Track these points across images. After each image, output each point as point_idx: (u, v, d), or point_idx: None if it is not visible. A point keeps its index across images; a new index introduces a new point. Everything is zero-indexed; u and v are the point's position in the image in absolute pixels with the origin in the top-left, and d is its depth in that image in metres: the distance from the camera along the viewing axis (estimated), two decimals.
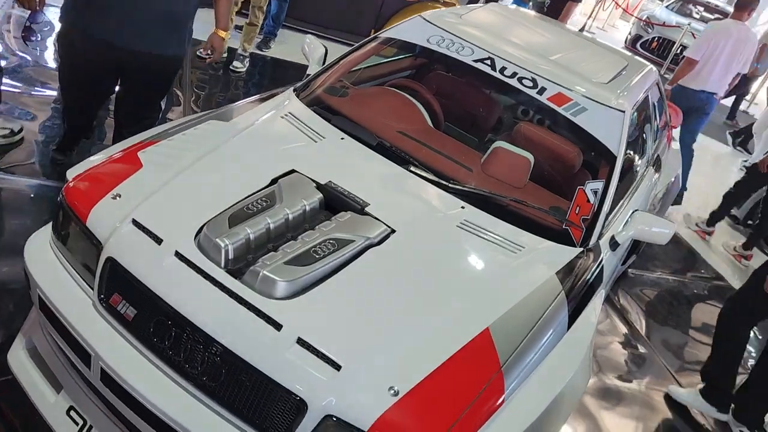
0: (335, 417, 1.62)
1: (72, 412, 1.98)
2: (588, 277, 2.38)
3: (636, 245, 4.02)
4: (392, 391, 1.65)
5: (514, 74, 2.87)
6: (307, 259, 1.86)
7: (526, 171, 2.67)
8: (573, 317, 2.20)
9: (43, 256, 2.04)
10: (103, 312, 1.87)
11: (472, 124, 3.15)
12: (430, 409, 1.67)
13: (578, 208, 2.57)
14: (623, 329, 3.97)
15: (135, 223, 1.89)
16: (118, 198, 1.98)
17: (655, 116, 3.71)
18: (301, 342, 1.68)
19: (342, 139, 2.56)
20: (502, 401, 1.78)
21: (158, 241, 1.85)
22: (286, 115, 2.63)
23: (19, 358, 2.14)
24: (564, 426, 2.29)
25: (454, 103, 3.21)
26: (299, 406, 1.63)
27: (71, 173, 2.11)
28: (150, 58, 2.93)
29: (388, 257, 2.03)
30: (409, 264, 2.05)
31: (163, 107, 3.25)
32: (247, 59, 5.52)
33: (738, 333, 3.33)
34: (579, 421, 3.09)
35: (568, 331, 2.16)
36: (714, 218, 5.69)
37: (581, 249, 2.45)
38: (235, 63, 5.44)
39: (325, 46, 3.18)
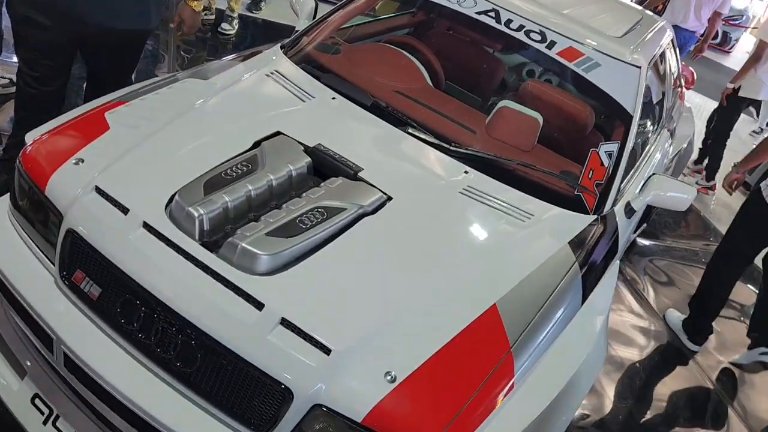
0: (325, 407, 1.44)
1: (37, 400, 1.80)
2: (602, 247, 2.18)
3: (647, 212, 3.82)
4: (389, 377, 1.47)
5: (520, 27, 2.63)
6: (293, 229, 1.66)
7: (534, 132, 2.46)
8: (587, 291, 2.01)
9: (0, 227, 1.84)
10: (66, 290, 1.67)
11: (475, 84, 2.92)
12: (432, 396, 1.49)
13: (591, 171, 2.36)
14: (632, 301, 3.79)
15: (98, 190, 1.69)
16: (80, 163, 1.77)
17: (670, 75, 3.47)
18: (285, 323, 1.49)
19: (333, 98, 2.33)
20: (512, 385, 1.60)
21: (124, 210, 1.64)
22: (271, 73, 2.40)
23: None
24: None
25: (455, 60, 2.97)
26: (284, 395, 1.44)
27: (29, 136, 1.89)
28: (120, 34, 2.55)
29: (383, 227, 1.82)
30: (406, 235, 1.85)
31: (133, 81, 2.90)
32: (236, 20, 5.24)
33: (728, 278, 3.48)
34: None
35: (582, 305, 1.97)
36: (710, 171, 5.59)
37: (595, 216, 2.24)
38: (224, 25, 5.17)
39: (315, 0, 2.93)
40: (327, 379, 1.44)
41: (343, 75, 2.46)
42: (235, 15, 5.24)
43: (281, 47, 2.63)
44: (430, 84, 2.70)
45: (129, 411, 1.52)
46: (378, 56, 2.75)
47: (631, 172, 2.60)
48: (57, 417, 1.77)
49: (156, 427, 1.49)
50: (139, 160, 1.80)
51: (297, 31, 2.79)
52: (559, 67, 2.62)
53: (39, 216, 1.76)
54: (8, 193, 1.89)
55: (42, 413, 1.78)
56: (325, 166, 1.97)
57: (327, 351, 1.46)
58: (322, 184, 1.87)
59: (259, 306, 1.50)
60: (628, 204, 2.45)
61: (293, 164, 1.90)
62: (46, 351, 1.68)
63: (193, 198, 1.66)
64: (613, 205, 2.36)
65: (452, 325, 1.62)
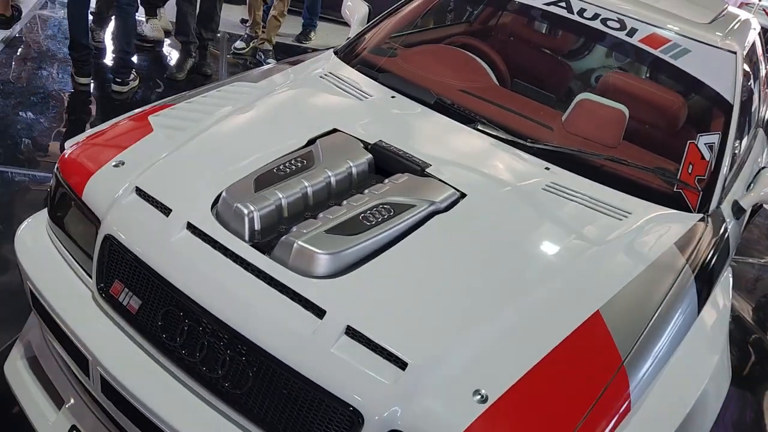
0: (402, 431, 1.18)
1: None
2: (713, 249, 1.86)
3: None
4: (479, 396, 1.20)
5: (596, 15, 2.39)
6: (356, 227, 1.43)
7: (620, 126, 2.18)
8: (702, 298, 1.69)
9: (36, 243, 1.67)
10: (104, 305, 1.48)
11: (546, 81, 2.67)
12: (533, 419, 1.21)
13: (691, 166, 2.06)
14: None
15: (138, 191, 1.50)
16: (120, 166, 1.60)
17: (762, 69, 3.14)
18: (350, 332, 1.24)
19: (393, 97, 2.13)
20: (629, 406, 1.30)
21: (166, 211, 1.45)
22: (325, 75, 2.22)
23: (16, 369, 1.77)
24: None
25: (523, 57, 2.74)
26: (352, 419, 1.19)
27: (69, 143, 1.74)
28: None
29: (459, 226, 1.57)
30: (486, 234, 1.59)
31: None
32: (271, 53, 5.10)
33: None
34: None
35: (699, 315, 1.66)
36: None
37: (701, 215, 1.93)
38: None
39: (369, 6, 2.77)
40: (403, 399, 1.18)
41: (402, 75, 2.26)
42: (270, 48, 5.08)
43: (334, 52, 2.46)
44: (497, 83, 2.48)
45: None
46: (438, 57, 2.55)
47: (734, 169, 2.29)
48: None
49: None
50: (183, 160, 1.62)
51: (349, 38, 2.63)
52: (643, 55, 2.36)
53: (76, 225, 1.59)
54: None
55: None
56: (387, 163, 1.75)
57: (403, 365, 1.21)
58: (387, 180, 1.65)
59: (320, 313, 1.26)
60: (735, 203, 2.13)
61: (353, 161, 1.68)
62: (82, 375, 1.48)
63: (243, 195, 1.45)
64: (719, 203, 2.05)
65: (551, 336, 1.34)
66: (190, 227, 1.41)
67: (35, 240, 1.68)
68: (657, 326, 1.47)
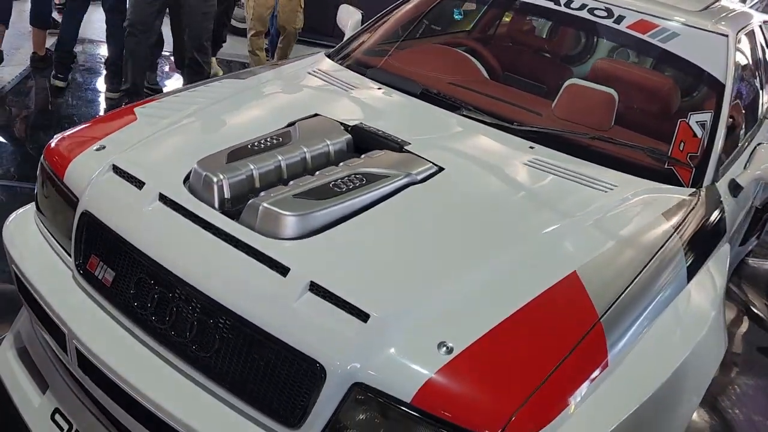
0: (365, 385, 1.15)
1: (57, 416, 1.59)
2: (706, 222, 1.82)
3: (753, 225, 3.33)
4: (444, 349, 1.17)
5: (582, 6, 2.39)
6: (326, 193, 1.43)
7: (610, 110, 2.16)
8: (692, 269, 1.64)
9: (23, 230, 1.71)
10: (81, 281, 1.49)
11: (537, 74, 2.66)
12: (501, 369, 1.17)
13: (683, 143, 2.03)
14: (747, 324, 3.26)
15: (115, 169, 1.53)
16: (102, 150, 1.64)
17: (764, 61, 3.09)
18: (314, 288, 1.23)
19: (379, 89, 2.15)
20: (606, 363, 1.25)
21: (140, 185, 1.47)
22: (313, 71, 2.25)
23: (5, 358, 1.78)
24: None
25: (513, 53, 2.75)
26: (315, 373, 1.17)
27: (57, 136, 1.79)
28: None
29: (434, 196, 1.56)
30: (461, 203, 1.58)
31: None
32: None
33: None
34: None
35: (688, 285, 1.60)
36: None
37: (693, 190, 1.89)
38: None
39: (362, 12, 2.82)
40: (365, 351, 1.16)
41: (390, 70, 2.29)
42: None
43: (326, 54, 2.50)
44: (487, 77, 2.48)
45: (144, 411, 1.29)
46: (429, 55, 2.58)
47: (734, 153, 2.24)
48: None
49: (171, 425, 1.24)
50: (161, 141, 1.65)
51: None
52: (631, 41, 2.35)
53: (59, 208, 1.62)
54: None
55: (61, 429, 1.57)
56: (366, 143, 1.75)
57: (364, 317, 1.19)
58: (363, 156, 1.65)
59: (284, 271, 1.25)
60: (732, 181, 2.08)
61: (331, 139, 1.69)
62: (61, 352, 1.49)
63: (214, 166, 1.47)
64: (714, 180, 2.00)
65: (522, 293, 1.31)
66: (162, 198, 1.43)
67: (22, 227, 1.72)
68: (639, 289, 1.42)
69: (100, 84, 4.39)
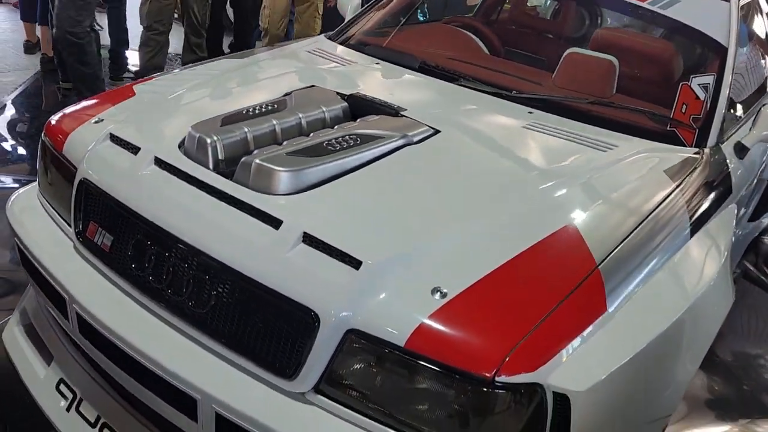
0: (359, 332, 1.14)
1: (61, 386, 1.61)
2: (709, 180, 1.79)
3: (766, 200, 3.28)
4: (438, 294, 1.16)
5: None
6: (319, 151, 1.43)
7: (611, 77, 2.14)
8: (695, 223, 1.62)
9: (26, 206, 1.73)
10: (81, 249, 1.50)
11: (539, 52, 2.65)
12: (495, 312, 1.16)
13: (685, 106, 2.00)
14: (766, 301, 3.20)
15: (112, 138, 1.54)
16: (100, 122, 1.65)
17: None
18: (307, 239, 1.23)
19: (377, 63, 2.15)
20: (604, 309, 1.23)
21: (135, 150, 1.48)
22: (312, 50, 2.26)
23: (12, 334, 1.80)
24: None
25: (515, 34, 2.74)
26: (308, 322, 1.16)
27: (57, 113, 1.81)
28: None
29: (430, 156, 1.56)
30: (459, 162, 1.57)
31: None
32: None
33: None
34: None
35: (692, 238, 1.58)
36: None
37: (696, 149, 1.87)
38: None
39: None
40: (358, 298, 1.15)
41: (389, 47, 2.29)
42: None
43: (326, 36, 2.51)
44: (488, 54, 2.48)
45: (143, 370, 1.29)
46: (429, 33, 2.58)
47: (742, 120, 2.21)
48: (80, 401, 1.57)
49: (170, 382, 1.25)
50: (157, 111, 1.67)
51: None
52: (630, 10, 2.33)
53: (59, 180, 1.64)
54: None
55: (66, 398, 1.58)
56: (363, 110, 1.75)
57: (357, 264, 1.18)
58: (359, 120, 1.65)
59: (277, 224, 1.25)
60: (738, 143, 2.05)
61: (327, 106, 1.70)
62: (62, 319, 1.50)
63: (208, 129, 1.48)
64: (719, 142, 1.97)
65: (518, 242, 1.29)
66: (158, 161, 1.44)
67: (25, 204, 1.73)
68: (638, 240, 1.40)
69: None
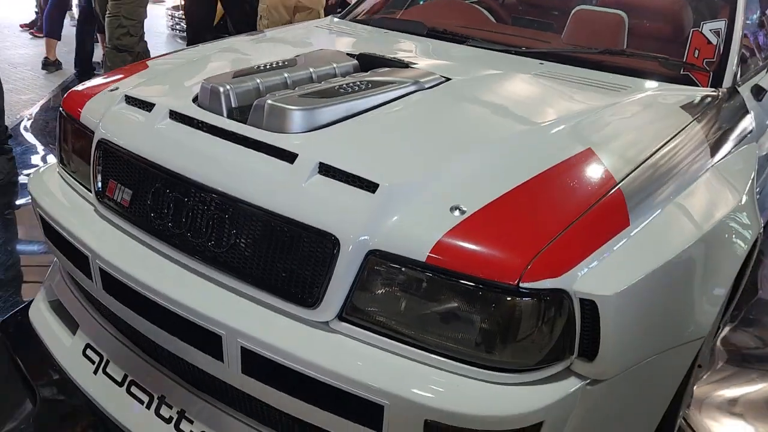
0: (379, 250, 1.13)
1: (88, 351, 1.61)
2: (729, 114, 1.77)
3: None
4: (457, 211, 1.15)
5: None
6: (331, 93, 1.44)
7: (621, 32, 2.13)
8: (715, 150, 1.59)
9: (47, 179, 1.75)
10: (102, 210, 1.52)
11: (545, 18, 2.65)
12: (516, 224, 1.15)
13: (697, 51, 1.98)
14: None
15: (127, 99, 1.56)
16: (115, 90, 1.68)
17: None
18: (323, 169, 1.23)
19: (385, 33, 2.17)
20: (626, 220, 1.21)
21: (150, 107, 1.50)
22: (321, 26, 2.29)
23: (38, 310, 1.82)
24: None
25: (524, 5, 2.74)
26: (329, 247, 1.16)
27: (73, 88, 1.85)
28: None
29: (443, 98, 1.56)
30: (472, 103, 1.57)
31: None
32: None
33: None
34: None
35: (713, 166, 1.56)
36: None
37: (712, 89, 1.85)
38: None
39: None
40: (377, 219, 1.14)
41: (398, 19, 2.31)
42: None
43: (334, 17, 2.54)
44: (495, 23, 2.48)
45: (169, 316, 1.29)
46: (438, 7, 2.60)
47: (757, 67, 2.19)
48: (107, 363, 1.57)
49: (195, 322, 1.24)
50: (171, 74, 1.69)
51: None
52: None
53: (77, 147, 1.66)
54: None
55: (93, 362, 1.59)
56: (373, 66, 1.76)
57: (373, 188, 1.17)
58: (370, 71, 1.66)
59: (292, 158, 1.25)
60: (756, 86, 2.03)
61: (337, 63, 1.71)
62: (86, 280, 1.51)
63: (221, 80, 1.49)
64: (735, 84, 1.95)
65: (536, 164, 1.28)
66: (172, 114, 1.45)
67: (46, 178, 1.76)
68: (658, 162, 1.39)
69: None
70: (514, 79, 1.75)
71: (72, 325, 1.69)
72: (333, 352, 1.15)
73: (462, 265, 1.08)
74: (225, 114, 1.43)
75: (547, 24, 2.46)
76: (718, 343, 2.24)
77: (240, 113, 1.45)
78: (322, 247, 1.16)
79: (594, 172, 1.30)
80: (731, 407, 1.97)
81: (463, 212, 1.14)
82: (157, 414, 1.44)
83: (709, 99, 1.75)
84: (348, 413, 1.14)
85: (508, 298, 1.06)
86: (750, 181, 1.63)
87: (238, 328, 1.19)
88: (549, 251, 1.09)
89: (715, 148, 1.59)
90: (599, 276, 1.11)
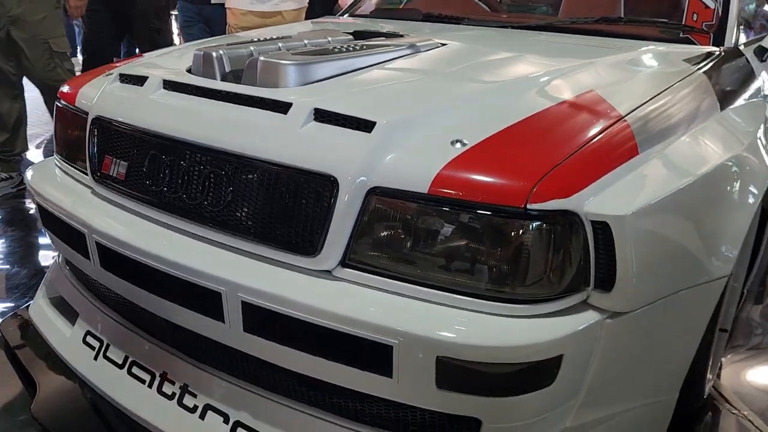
0: (378, 187, 1.09)
1: (88, 338, 1.56)
2: (734, 69, 1.74)
3: None
4: (458, 144, 1.11)
5: None
6: (325, 52, 1.42)
7: (617, 5, 2.12)
8: (722, 99, 1.55)
9: (44, 170, 1.73)
10: (98, 189, 1.48)
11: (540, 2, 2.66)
12: (520, 151, 1.10)
13: (695, 15, 1.96)
14: None
15: (121, 77, 1.55)
16: (110, 75, 1.66)
17: None
18: (319, 115, 1.19)
19: (381, 22, 2.17)
20: (636, 153, 1.17)
21: (143, 81, 1.48)
22: (317, 21, 2.29)
23: (38, 307, 1.78)
24: None
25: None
26: (327, 189, 1.11)
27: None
28: None
29: (441, 58, 1.54)
30: (472, 60, 1.55)
31: None
32: None
33: None
34: None
35: (721, 112, 1.51)
36: None
37: (714, 47, 1.82)
38: None
39: None
40: (375, 156, 1.10)
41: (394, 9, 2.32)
42: None
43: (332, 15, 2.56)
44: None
45: (169, 283, 1.24)
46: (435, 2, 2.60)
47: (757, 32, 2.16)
48: (107, 348, 1.52)
49: (197, 283, 1.19)
50: (165, 55, 1.68)
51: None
52: None
53: (72, 131, 1.64)
54: None
55: (93, 348, 1.53)
56: (368, 38, 1.75)
57: (370, 126, 1.14)
58: (364, 42, 1.64)
59: (286, 108, 1.22)
60: (759, 46, 2.00)
61: (332, 37, 1.69)
62: (84, 262, 1.46)
63: (214, 47, 1.47)
64: (737, 44, 1.92)
65: (539, 101, 1.25)
66: (166, 84, 1.43)
67: (42, 169, 1.73)
68: (662, 102, 1.34)
69: None
70: (512, 43, 1.73)
71: (71, 316, 1.65)
72: (336, 296, 1.10)
73: (466, 193, 1.04)
74: (218, 78, 1.40)
75: (542, 9, 2.45)
76: (757, 316, 2.16)
77: (234, 77, 1.42)
78: (320, 191, 1.12)
79: (599, 107, 1.26)
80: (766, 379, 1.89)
81: (464, 144, 1.10)
82: (160, 392, 1.38)
83: (713, 55, 1.72)
84: (356, 360, 1.08)
85: (516, 222, 1.01)
86: (759, 131, 1.59)
87: (238, 282, 1.14)
88: (556, 173, 1.04)
89: (722, 98, 1.55)
90: (611, 198, 1.06)
